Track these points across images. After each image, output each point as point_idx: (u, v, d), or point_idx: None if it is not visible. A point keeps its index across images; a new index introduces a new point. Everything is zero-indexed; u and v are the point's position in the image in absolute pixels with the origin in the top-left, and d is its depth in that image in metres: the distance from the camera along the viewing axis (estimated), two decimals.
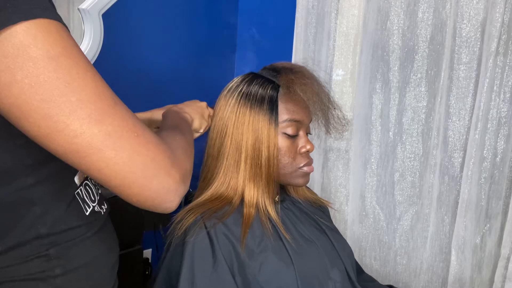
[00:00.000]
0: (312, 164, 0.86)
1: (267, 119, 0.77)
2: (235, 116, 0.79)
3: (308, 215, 0.89)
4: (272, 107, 0.77)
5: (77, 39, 1.49)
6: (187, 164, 0.58)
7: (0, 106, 0.42)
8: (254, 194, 0.78)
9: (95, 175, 0.47)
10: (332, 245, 0.84)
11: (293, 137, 0.81)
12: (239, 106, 0.79)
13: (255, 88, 0.79)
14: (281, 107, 0.79)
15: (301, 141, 0.82)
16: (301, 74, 0.81)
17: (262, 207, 0.79)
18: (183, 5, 1.82)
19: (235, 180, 0.79)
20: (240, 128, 0.78)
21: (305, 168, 0.83)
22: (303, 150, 0.81)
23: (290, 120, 0.79)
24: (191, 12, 1.85)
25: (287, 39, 1.78)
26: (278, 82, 0.80)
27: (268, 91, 0.78)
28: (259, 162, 0.77)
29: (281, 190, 0.90)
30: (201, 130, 0.83)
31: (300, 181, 0.83)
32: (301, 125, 0.81)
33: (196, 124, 0.80)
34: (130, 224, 1.36)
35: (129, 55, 1.66)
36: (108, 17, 1.53)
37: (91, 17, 1.48)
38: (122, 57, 1.63)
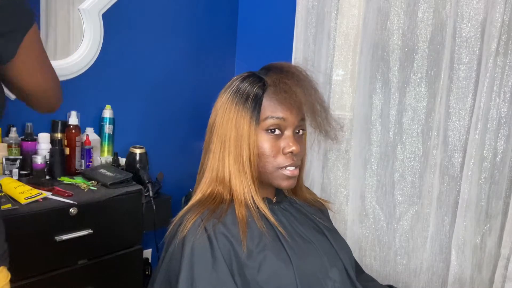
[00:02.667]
0: (295, 168, 0.81)
1: (249, 116, 0.77)
2: (223, 112, 0.80)
3: (306, 216, 0.89)
4: (255, 105, 0.78)
5: (77, 39, 1.50)
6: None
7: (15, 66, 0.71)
8: (241, 192, 0.78)
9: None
10: (330, 245, 0.84)
11: (276, 136, 0.79)
12: (227, 102, 0.81)
13: (244, 86, 0.80)
14: (265, 104, 0.79)
15: (284, 141, 0.80)
16: (290, 73, 0.80)
17: (251, 203, 0.78)
18: (184, 4, 1.82)
19: (222, 173, 0.80)
20: (225, 124, 0.79)
21: (287, 171, 0.80)
22: (287, 150, 0.79)
23: (272, 117, 0.78)
24: (191, 12, 1.85)
25: (287, 39, 1.78)
26: (266, 80, 0.80)
27: (255, 88, 0.79)
28: (241, 159, 0.78)
29: (279, 191, 0.89)
30: None
31: (282, 183, 0.81)
32: (286, 124, 0.79)
33: None
34: (130, 224, 1.37)
35: (129, 55, 1.66)
36: (108, 17, 1.53)
37: (91, 17, 1.48)
38: (122, 57, 1.63)
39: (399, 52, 1.46)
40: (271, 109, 0.79)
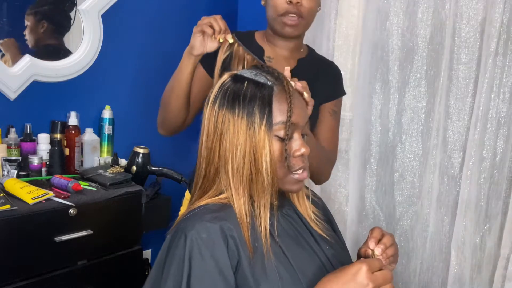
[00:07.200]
0: (304, 171, 0.77)
1: (263, 123, 0.72)
2: (228, 118, 0.75)
3: (306, 227, 0.86)
4: (268, 110, 0.74)
5: (76, 39, 1.49)
6: None
7: None
8: (241, 199, 0.76)
9: None
10: (328, 260, 0.82)
11: (284, 139, 0.77)
12: (231, 107, 0.73)
13: (249, 89, 0.74)
14: (275, 108, 0.75)
15: (294, 144, 0.76)
16: (282, 75, 0.78)
17: (249, 209, 0.76)
18: (183, 5, 1.82)
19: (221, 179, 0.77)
20: (232, 133, 0.74)
21: (298, 174, 0.77)
22: (298, 153, 0.75)
23: (283, 122, 0.74)
24: (190, 12, 1.85)
25: None
26: (272, 83, 0.77)
27: (263, 92, 0.74)
28: (255, 168, 0.75)
29: (282, 197, 0.86)
30: None
31: (292, 187, 0.78)
32: (295, 127, 0.77)
33: None
34: (130, 224, 1.36)
35: (128, 56, 1.66)
36: (107, 17, 1.53)
37: (91, 17, 1.48)
38: (121, 58, 1.63)
39: (399, 53, 1.46)
40: (282, 114, 0.74)
